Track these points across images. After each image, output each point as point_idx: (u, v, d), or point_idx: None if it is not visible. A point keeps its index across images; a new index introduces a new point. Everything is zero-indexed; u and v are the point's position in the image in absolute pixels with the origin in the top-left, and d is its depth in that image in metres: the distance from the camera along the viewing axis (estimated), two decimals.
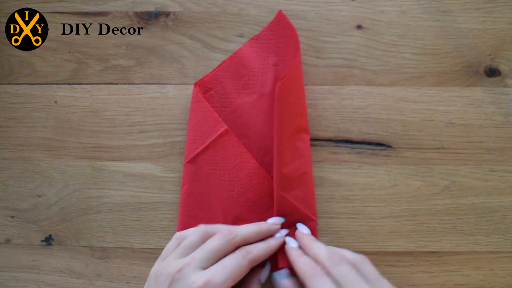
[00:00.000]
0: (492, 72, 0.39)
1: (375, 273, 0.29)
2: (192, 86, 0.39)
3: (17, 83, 0.40)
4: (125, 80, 0.40)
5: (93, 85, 0.40)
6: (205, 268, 0.28)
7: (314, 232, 0.35)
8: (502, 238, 0.36)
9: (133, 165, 0.38)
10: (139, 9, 0.41)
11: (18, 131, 0.40)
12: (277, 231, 0.34)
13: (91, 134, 0.39)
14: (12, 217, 0.38)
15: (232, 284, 0.28)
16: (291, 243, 0.33)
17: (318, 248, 0.31)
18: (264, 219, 0.36)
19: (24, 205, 0.38)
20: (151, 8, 0.41)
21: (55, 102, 0.40)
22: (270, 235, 0.33)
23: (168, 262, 0.29)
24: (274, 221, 0.34)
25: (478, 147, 0.37)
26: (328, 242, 0.36)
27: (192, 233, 0.31)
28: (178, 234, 0.32)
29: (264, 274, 0.33)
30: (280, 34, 0.38)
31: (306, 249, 0.32)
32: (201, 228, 0.31)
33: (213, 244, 0.30)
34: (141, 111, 0.39)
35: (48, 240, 0.38)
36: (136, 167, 0.38)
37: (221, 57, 0.39)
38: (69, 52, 0.40)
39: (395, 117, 0.38)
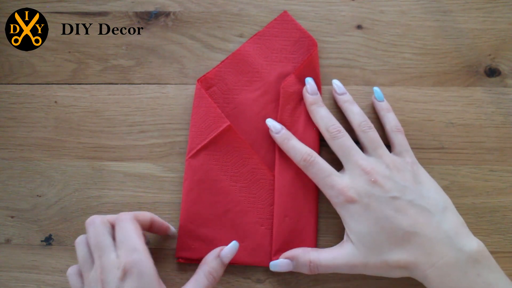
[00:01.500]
0: (492, 72, 0.39)
1: (377, 141, 0.34)
2: (192, 86, 0.39)
3: (17, 83, 0.40)
4: (125, 80, 0.40)
5: (93, 85, 0.40)
6: None
7: (313, 232, 0.35)
8: (502, 238, 0.36)
9: (133, 165, 0.38)
10: (139, 9, 0.41)
11: (18, 131, 0.40)
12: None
13: (91, 134, 0.39)
14: (12, 217, 0.38)
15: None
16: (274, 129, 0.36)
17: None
18: (266, 215, 0.36)
19: (24, 205, 0.38)
20: (151, 8, 0.41)
21: (55, 102, 0.40)
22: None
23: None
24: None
25: (478, 147, 0.37)
26: (328, 243, 0.36)
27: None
28: None
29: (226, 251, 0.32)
30: (285, 32, 0.39)
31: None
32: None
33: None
34: (141, 111, 0.39)
35: (48, 240, 0.38)
36: (136, 167, 0.38)
37: (221, 57, 0.39)
38: (69, 52, 0.40)
39: None
